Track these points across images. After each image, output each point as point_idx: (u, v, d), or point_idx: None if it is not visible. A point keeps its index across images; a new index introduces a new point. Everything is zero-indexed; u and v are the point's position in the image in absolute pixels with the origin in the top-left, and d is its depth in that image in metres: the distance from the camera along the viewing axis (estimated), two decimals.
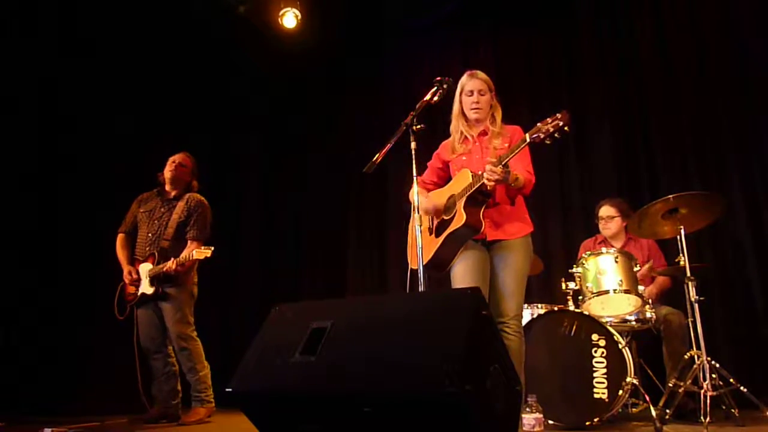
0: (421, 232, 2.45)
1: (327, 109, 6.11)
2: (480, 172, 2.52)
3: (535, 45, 5.26)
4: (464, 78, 2.79)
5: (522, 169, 2.58)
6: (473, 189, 2.53)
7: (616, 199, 3.96)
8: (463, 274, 2.60)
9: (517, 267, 2.59)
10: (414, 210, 2.47)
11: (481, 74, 2.79)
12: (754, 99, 4.23)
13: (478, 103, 2.73)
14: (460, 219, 2.54)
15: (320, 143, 6.09)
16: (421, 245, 2.40)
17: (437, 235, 2.64)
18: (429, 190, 2.91)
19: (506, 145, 2.67)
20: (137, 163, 4.64)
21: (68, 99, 4.64)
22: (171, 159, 3.83)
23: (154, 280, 3.54)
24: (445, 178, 2.91)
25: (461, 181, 2.65)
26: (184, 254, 3.50)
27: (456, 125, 2.81)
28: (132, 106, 4.98)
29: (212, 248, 3.45)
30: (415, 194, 2.49)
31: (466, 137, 2.78)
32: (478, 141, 2.76)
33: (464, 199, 2.56)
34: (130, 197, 4.02)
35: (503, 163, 2.42)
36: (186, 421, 3.43)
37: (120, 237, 3.82)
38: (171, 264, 3.44)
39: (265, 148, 6.20)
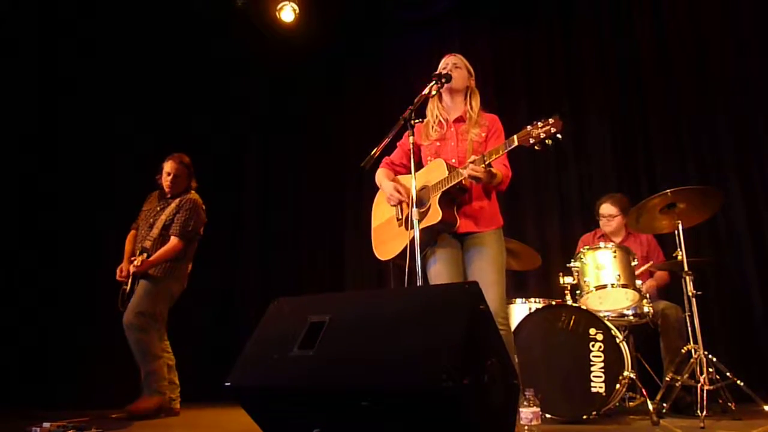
0: (417, 222, 2.36)
1: (326, 106, 6.10)
2: (454, 161, 2.47)
3: (535, 44, 5.25)
4: (442, 60, 2.78)
5: (499, 164, 2.53)
6: (450, 185, 2.47)
7: (617, 195, 3.93)
8: (439, 272, 2.55)
9: (494, 257, 2.52)
10: (413, 205, 2.38)
11: (458, 55, 2.76)
12: (754, 99, 4.23)
13: (452, 71, 2.66)
14: (435, 215, 2.48)
15: (319, 141, 6.10)
16: (418, 239, 2.35)
17: (408, 228, 2.52)
18: (398, 173, 2.83)
19: (484, 135, 2.63)
20: (137, 162, 4.65)
21: (68, 99, 4.65)
22: (166, 170, 3.75)
23: (134, 277, 3.60)
24: (415, 161, 2.81)
25: (435, 172, 2.56)
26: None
27: (432, 107, 2.75)
28: (132, 106, 4.99)
29: (143, 256, 3.55)
30: (413, 189, 2.41)
31: (441, 121, 2.71)
32: (453, 127, 2.69)
33: (439, 194, 2.49)
34: (131, 197, 4.01)
35: (486, 163, 2.37)
36: (131, 410, 3.29)
37: (130, 234, 3.84)
38: (132, 266, 3.56)
39: (265, 147, 6.21)
